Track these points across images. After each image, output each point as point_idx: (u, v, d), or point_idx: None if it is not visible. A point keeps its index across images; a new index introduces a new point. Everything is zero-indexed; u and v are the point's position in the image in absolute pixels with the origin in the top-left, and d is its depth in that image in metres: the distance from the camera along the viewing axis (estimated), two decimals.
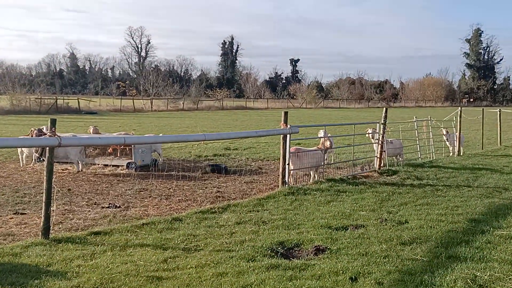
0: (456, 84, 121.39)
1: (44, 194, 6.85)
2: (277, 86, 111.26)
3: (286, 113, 10.47)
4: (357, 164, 13.58)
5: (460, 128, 17.64)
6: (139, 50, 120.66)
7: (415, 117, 17.13)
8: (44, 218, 6.78)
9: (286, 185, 10.33)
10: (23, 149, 13.64)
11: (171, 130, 28.48)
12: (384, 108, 13.81)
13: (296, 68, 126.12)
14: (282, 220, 7.72)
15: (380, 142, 13.30)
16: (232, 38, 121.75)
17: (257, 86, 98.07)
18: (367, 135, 14.78)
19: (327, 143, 11.89)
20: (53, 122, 6.91)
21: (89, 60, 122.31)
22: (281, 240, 6.61)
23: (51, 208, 7.03)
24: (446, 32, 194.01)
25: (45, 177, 6.81)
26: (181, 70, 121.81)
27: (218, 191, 10.56)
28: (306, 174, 11.70)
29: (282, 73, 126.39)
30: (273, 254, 6.09)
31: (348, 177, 11.82)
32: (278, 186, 10.53)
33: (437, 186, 10.99)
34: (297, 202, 9.09)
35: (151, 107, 56.56)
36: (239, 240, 6.64)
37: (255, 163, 15.03)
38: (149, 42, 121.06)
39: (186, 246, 6.42)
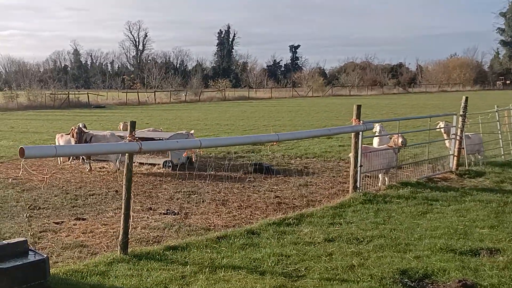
0: (488, 65, 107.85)
1: (123, 205, 6.26)
2: (276, 74, 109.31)
3: (359, 106, 9.34)
4: (420, 164, 11.97)
5: None
6: (137, 44, 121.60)
7: (496, 106, 14.71)
8: (123, 231, 6.19)
9: (359, 191, 9.54)
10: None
11: (183, 123, 27.82)
12: (464, 97, 11.91)
13: (296, 55, 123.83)
14: (380, 237, 6.89)
15: (458, 138, 11.86)
16: (229, 27, 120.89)
17: (260, 75, 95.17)
18: (438, 129, 13.12)
19: (399, 141, 10.69)
20: (133, 125, 6.29)
21: (91, 55, 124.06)
22: (401, 267, 5.70)
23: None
24: (467, 7, 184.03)
25: (124, 186, 6.22)
26: (177, 62, 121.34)
27: (277, 197, 9.92)
28: (367, 176, 10.64)
29: (281, 60, 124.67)
30: None
31: (423, 179, 10.86)
32: (349, 191, 9.66)
33: None
34: (383, 212, 8.22)
35: (155, 100, 55.88)
36: (345, 264, 5.86)
37: (295, 161, 14.26)
38: (146, 35, 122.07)
39: (284, 271, 5.72)
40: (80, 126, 12.79)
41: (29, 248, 5.22)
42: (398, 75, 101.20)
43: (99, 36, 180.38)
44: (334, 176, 12.00)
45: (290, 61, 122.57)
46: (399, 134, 10.92)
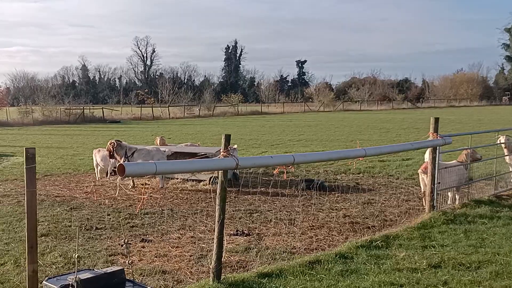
0: (493, 80, 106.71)
1: (216, 228, 5.56)
2: (284, 88, 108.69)
3: (436, 120, 8.73)
4: (477, 180, 11.17)
5: None
6: (145, 59, 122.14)
7: None
8: (216, 258, 5.49)
9: (436, 210, 8.88)
10: (98, 162, 12.39)
11: (206, 138, 27.12)
12: None
13: (303, 70, 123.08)
14: (489, 263, 6.18)
15: None
16: (236, 43, 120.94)
17: (271, 90, 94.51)
18: (498, 143, 12.30)
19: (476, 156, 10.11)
20: (228, 139, 5.62)
21: (99, 71, 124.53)
22: None
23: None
24: (469, 23, 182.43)
25: (217, 206, 5.53)
26: (185, 77, 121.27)
27: (346, 216, 9.18)
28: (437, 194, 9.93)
29: (288, 75, 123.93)
30: None
31: (492, 197, 10.26)
32: (421, 209, 9.04)
33: None
34: (473, 234, 7.53)
35: (169, 115, 55.36)
36: None
37: (341, 177, 13.54)
38: (154, 51, 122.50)
39: None
40: (122, 142, 12.11)
41: (126, 278, 4.52)
42: (405, 90, 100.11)
43: (105, 52, 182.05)
44: (394, 193, 11.28)
45: (297, 76, 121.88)
46: (472, 149, 10.22)
